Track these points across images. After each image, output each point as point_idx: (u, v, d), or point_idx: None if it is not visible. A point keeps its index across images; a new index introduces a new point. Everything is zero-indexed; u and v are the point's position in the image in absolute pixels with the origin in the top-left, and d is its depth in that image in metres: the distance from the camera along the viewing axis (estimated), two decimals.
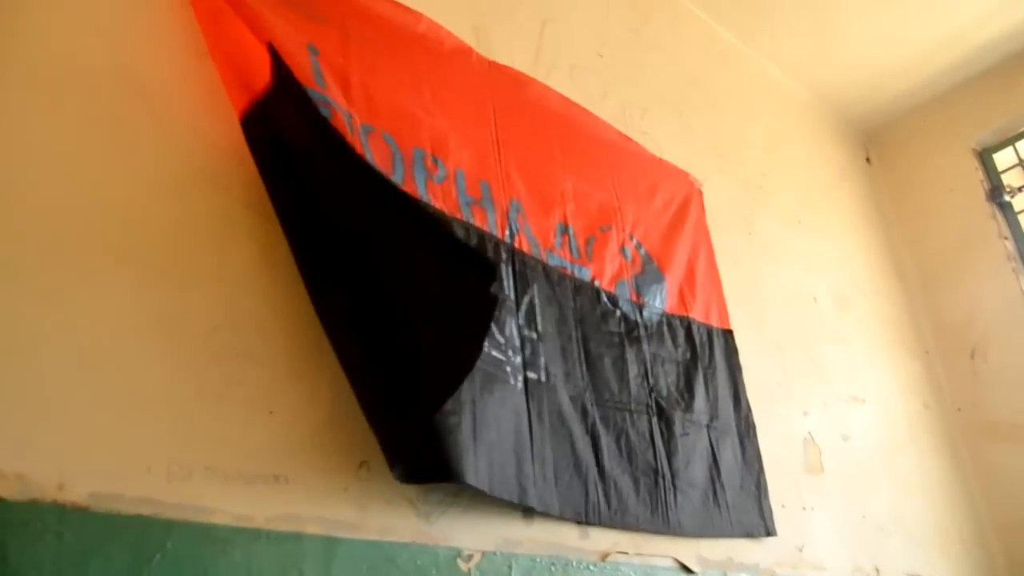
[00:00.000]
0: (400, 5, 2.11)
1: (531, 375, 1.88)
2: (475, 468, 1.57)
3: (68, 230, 1.37)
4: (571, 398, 1.94)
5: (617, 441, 2.00)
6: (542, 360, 1.91)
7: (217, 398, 1.42)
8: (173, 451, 1.33)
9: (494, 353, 1.79)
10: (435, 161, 1.95)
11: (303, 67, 1.76)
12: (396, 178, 1.82)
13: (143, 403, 1.34)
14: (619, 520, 1.92)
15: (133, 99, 1.54)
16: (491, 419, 1.68)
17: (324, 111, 1.73)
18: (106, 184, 1.45)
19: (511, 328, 1.89)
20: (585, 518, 1.85)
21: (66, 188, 1.39)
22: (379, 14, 2.05)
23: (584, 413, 1.96)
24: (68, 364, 1.28)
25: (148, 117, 1.55)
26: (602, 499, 1.88)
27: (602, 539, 1.92)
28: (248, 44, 1.65)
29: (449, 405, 1.53)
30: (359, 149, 1.75)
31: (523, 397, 1.83)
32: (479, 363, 1.69)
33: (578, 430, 1.91)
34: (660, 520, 2.01)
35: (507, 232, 2.04)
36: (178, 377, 1.39)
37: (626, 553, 1.95)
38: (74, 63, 1.48)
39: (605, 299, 2.21)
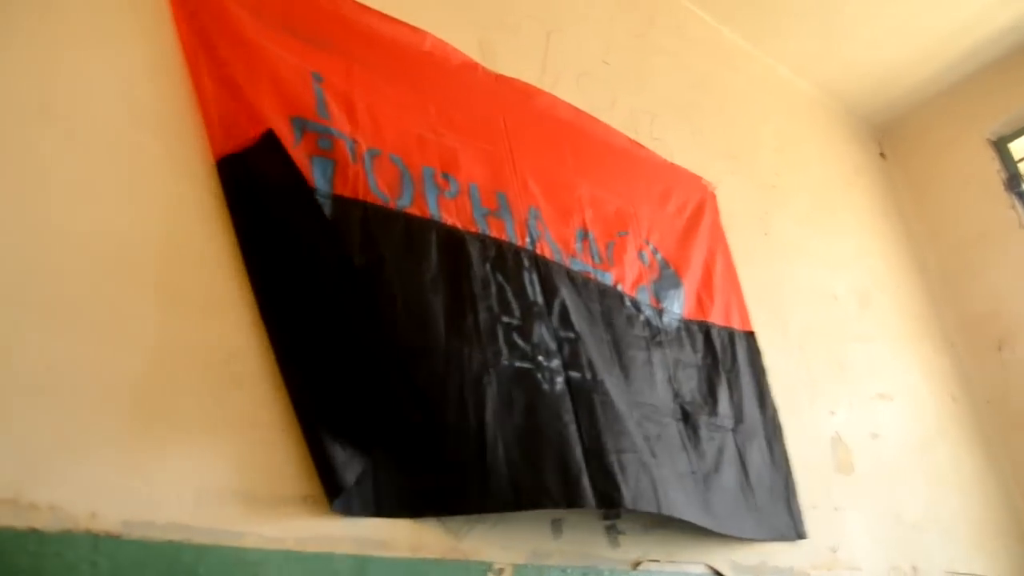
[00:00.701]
0: (405, 25, 2.12)
1: (574, 374, 1.88)
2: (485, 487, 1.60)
3: (89, 261, 1.38)
4: (616, 396, 1.93)
5: (657, 442, 1.99)
6: (584, 359, 1.91)
7: (241, 422, 1.42)
8: (202, 476, 1.33)
9: (517, 364, 1.79)
10: (446, 178, 1.96)
11: (306, 98, 1.77)
12: (405, 199, 1.83)
13: (170, 430, 1.34)
14: (687, 513, 1.91)
15: (147, 129, 1.55)
16: (512, 431, 1.68)
17: (326, 143, 1.74)
18: (124, 214, 1.46)
19: (541, 332, 1.89)
20: (658, 508, 1.82)
21: (84, 219, 1.41)
22: (384, 35, 2.06)
23: (630, 411, 1.95)
24: (95, 394, 1.29)
25: (163, 146, 1.56)
26: (664, 493, 1.85)
27: (633, 547, 1.90)
28: (234, 101, 1.66)
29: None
30: (362, 177, 1.76)
31: (566, 397, 1.83)
32: (493, 377, 1.72)
33: (632, 425, 1.91)
34: (710, 517, 2.00)
35: (527, 239, 2.04)
36: (203, 402, 1.40)
37: (658, 561, 1.93)
38: (86, 96, 1.50)
39: (629, 303, 2.22)
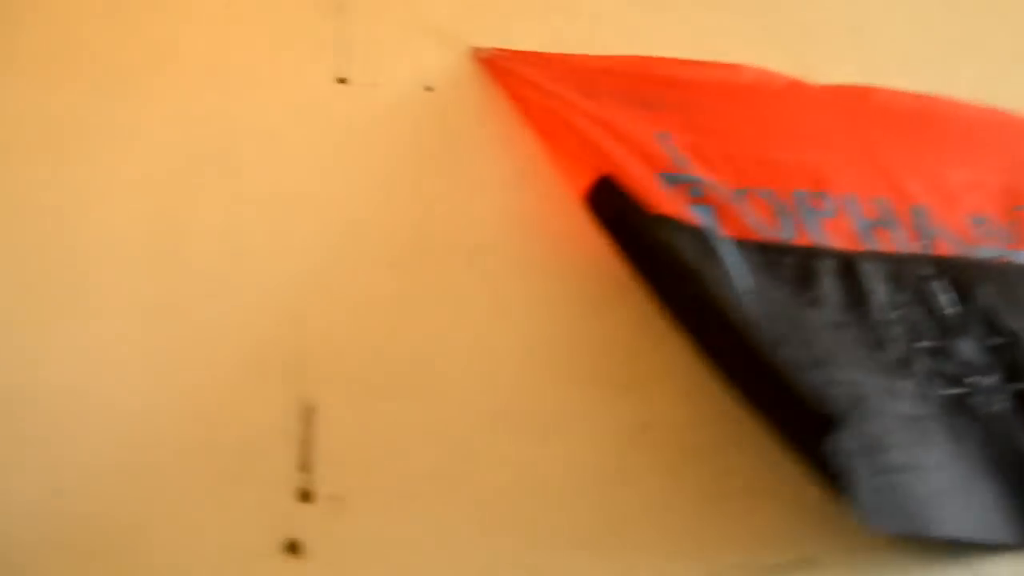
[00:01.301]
0: (718, 64, 2.06)
1: (1020, 385, 1.65)
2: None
3: (528, 366, 1.48)
4: None
5: None
6: None
7: (716, 494, 1.35)
8: (696, 555, 1.29)
9: (946, 391, 1.61)
10: (820, 196, 1.85)
11: (659, 155, 1.76)
12: (785, 233, 1.74)
13: (633, 518, 1.35)
14: None
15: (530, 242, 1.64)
16: (966, 467, 1.52)
17: (697, 191, 1.72)
18: (523, 321, 1.56)
19: (965, 348, 1.69)
20: None
21: (491, 331, 1.53)
22: (706, 80, 2.01)
23: None
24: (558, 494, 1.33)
25: (550, 254, 1.64)
26: None
27: None
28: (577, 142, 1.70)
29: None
30: (741, 217, 1.71)
31: (1014, 417, 1.60)
32: (926, 413, 1.56)
33: None
34: None
35: (921, 242, 1.85)
36: (664, 483, 1.37)
37: None
38: (464, 206, 1.62)
39: None
